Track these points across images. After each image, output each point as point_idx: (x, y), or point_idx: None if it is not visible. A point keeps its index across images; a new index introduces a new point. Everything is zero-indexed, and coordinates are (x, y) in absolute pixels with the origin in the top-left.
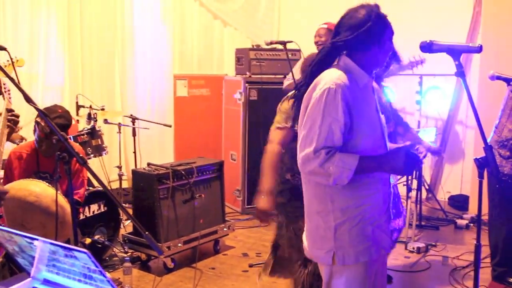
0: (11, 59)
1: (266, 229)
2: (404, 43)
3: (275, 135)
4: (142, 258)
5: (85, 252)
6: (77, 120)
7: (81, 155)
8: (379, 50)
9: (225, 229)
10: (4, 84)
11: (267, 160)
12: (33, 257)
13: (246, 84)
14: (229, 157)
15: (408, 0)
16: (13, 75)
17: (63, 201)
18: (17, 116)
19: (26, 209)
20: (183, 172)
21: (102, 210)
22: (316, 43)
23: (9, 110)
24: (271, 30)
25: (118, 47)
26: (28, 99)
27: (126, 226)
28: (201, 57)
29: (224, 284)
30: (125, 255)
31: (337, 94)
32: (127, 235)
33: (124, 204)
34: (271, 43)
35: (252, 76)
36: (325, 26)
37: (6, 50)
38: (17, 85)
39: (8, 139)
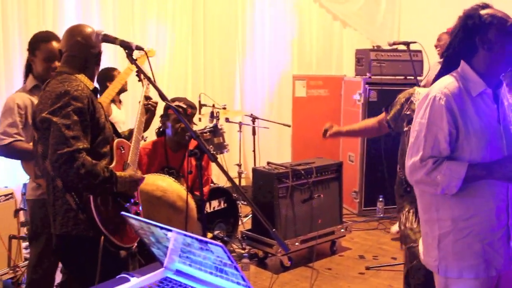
0: (148, 59)
1: (384, 232)
2: None
3: None
4: (259, 255)
5: (220, 246)
6: (199, 118)
7: (212, 152)
8: (499, 55)
9: (342, 230)
10: (143, 77)
11: None
12: (167, 248)
13: (366, 85)
14: (347, 158)
15: None
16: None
17: (188, 196)
18: (155, 103)
19: (153, 203)
20: (302, 172)
21: (222, 206)
22: (435, 47)
23: (147, 98)
24: (391, 31)
25: (238, 47)
26: (163, 97)
27: (245, 223)
28: (320, 57)
29: (340, 285)
30: (243, 251)
31: (442, 103)
32: (245, 231)
33: (243, 202)
34: (394, 43)
35: (372, 77)
36: (446, 31)
37: (143, 50)
38: (153, 84)
39: (147, 127)
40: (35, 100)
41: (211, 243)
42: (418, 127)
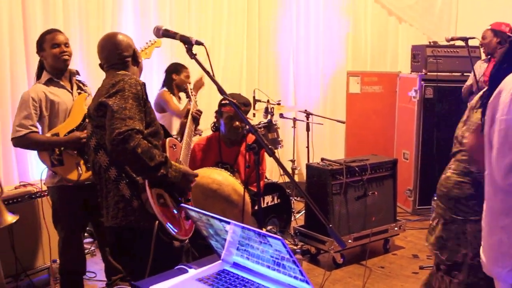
0: (207, 53)
1: None
2: None
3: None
4: (312, 252)
5: (280, 239)
6: (254, 114)
7: (270, 146)
8: None
9: (396, 228)
10: (190, 89)
11: None
12: (225, 241)
13: (422, 82)
14: (401, 156)
15: None
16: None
17: (242, 190)
18: (200, 112)
19: (208, 196)
20: (356, 169)
21: (276, 202)
22: (480, 45)
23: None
24: (448, 26)
25: (293, 43)
26: (222, 91)
27: (298, 219)
28: (374, 53)
29: (393, 284)
30: (296, 247)
31: None
32: (298, 227)
33: (296, 198)
34: (452, 39)
35: (428, 73)
36: (489, 27)
37: (203, 45)
38: (212, 79)
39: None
40: (51, 91)
41: (270, 237)
42: (505, 125)
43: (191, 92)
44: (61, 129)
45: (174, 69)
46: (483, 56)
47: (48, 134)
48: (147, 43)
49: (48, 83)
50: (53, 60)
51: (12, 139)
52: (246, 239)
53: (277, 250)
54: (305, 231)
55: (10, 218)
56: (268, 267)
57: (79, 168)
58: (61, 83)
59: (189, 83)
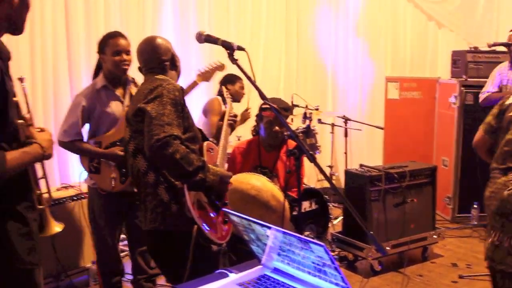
0: (249, 59)
1: (478, 240)
2: None
3: None
4: (349, 258)
5: (322, 246)
6: (292, 119)
7: (311, 152)
8: None
9: (434, 236)
10: (227, 93)
11: None
12: (266, 246)
13: (462, 88)
14: (440, 163)
15: None
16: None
17: (281, 196)
18: (235, 116)
19: (247, 201)
20: (395, 175)
21: (313, 207)
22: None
23: (231, 114)
24: (489, 31)
25: (331, 47)
26: (263, 96)
27: (335, 225)
28: (414, 59)
29: None
30: (333, 253)
31: None
32: (336, 234)
33: (333, 204)
34: (494, 44)
35: (469, 79)
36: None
37: (245, 51)
38: (254, 84)
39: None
40: (102, 99)
41: (313, 243)
42: None
43: (227, 95)
44: (104, 139)
45: (228, 80)
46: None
47: (92, 142)
48: (211, 64)
49: (102, 89)
50: (112, 66)
51: (59, 141)
52: (287, 244)
53: (319, 256)
54: (343, 237)
55: (57, 228)
56: (309, 273)
57: (113, 181)
58: (115, 92)
59: (244, 94)
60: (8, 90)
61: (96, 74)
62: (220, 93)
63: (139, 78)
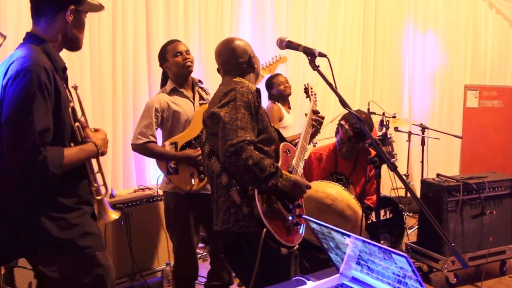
0: (331, 67)
1: None
2: None
3: None
4: (424, 270)
5: (404, 256)
6: None
7: (392, 161)
8: None
9: None
10: (311, 88)
11: None
12: (345, 254)
13: None
14: None
15: None
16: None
17: (356, 205)
18: (322, 118)
19: (322, 210)
20: (474, 186)
21: (388, 216)
22: None
23: (315, 112)
24: None
25: (408, 54)
26: (343, 103)
27: (409, 235)
28: (494, 67)
29: None
30: None
31: None
32: (410, 243)
33: (408, 213)
34: None
35: None
36: None
37: (326, 57)
38: (335, 90)
39: (312, 139)
40: (173, 101)
41: (395, 253)
42: None
43: (311, 92)
44: (179, 139)
45: (269, 85)
46: None
47: (167, 143)
48: (272, 58)
49: (171, 92)
50: (176, 68)
51: (132, 144)
52: (367, 254)
53: (401, 267)
54: (418, 248)
55: (114, 215)
56: (389, 284)
57: (193, 179)
58: (184, 92)
59: (287, 85)
60: (62, 98)
61: (163, 85)
62: (305, 90)
63: (207, 79)
